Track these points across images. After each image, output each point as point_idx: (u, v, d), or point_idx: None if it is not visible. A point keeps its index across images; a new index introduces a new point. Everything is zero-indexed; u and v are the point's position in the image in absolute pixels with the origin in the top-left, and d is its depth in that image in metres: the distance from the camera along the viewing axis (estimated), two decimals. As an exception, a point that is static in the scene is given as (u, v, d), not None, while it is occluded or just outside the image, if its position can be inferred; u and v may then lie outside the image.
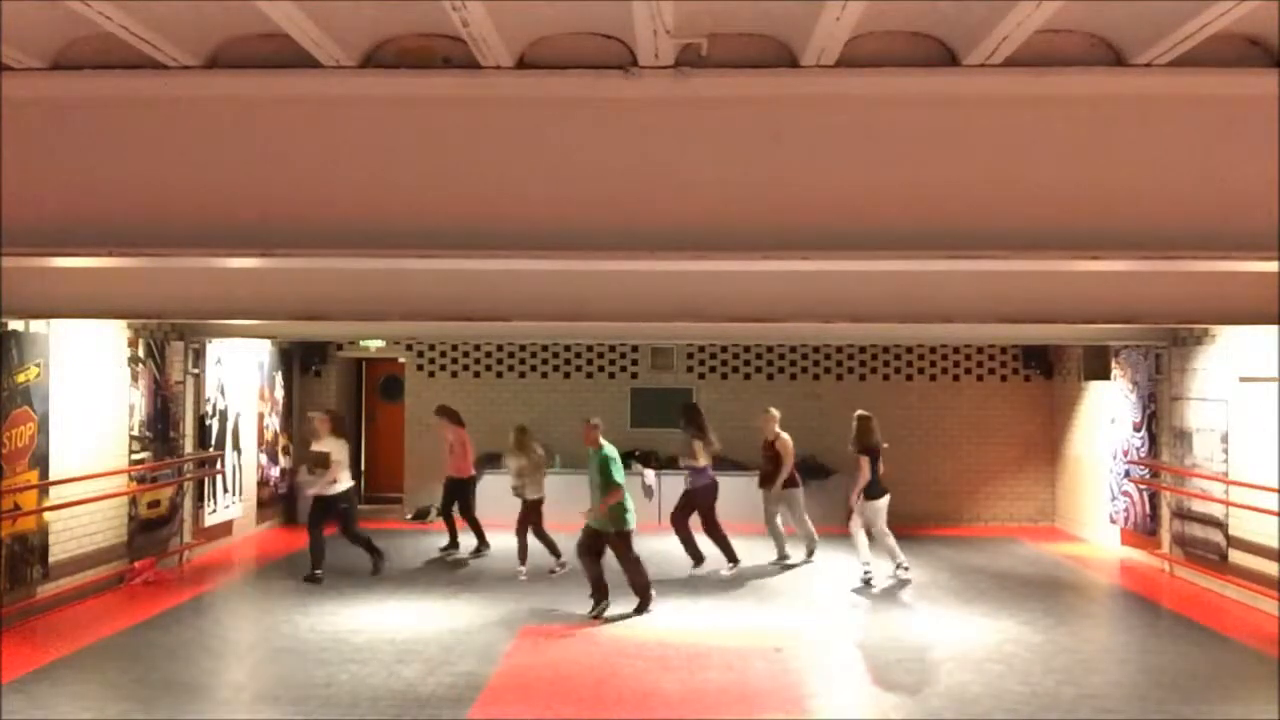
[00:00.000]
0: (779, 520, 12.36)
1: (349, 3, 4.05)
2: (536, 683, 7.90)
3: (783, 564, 12.25)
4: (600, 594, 9.80)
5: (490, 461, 14.12)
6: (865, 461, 11.26)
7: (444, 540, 13.03)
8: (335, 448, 11.62)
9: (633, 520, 9.85)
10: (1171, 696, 7.63)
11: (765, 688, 7.81)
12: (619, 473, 9.81)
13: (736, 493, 12.84)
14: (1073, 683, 7.91)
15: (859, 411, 11.71)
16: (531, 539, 11.68)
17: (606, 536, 9.81)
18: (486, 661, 8.30)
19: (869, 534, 11.41)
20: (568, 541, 10.85)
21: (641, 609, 9.84)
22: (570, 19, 4.29)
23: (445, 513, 12.99)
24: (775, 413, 12.36)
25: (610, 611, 9.77)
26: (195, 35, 4.35)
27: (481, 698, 7.44)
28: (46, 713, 7.06)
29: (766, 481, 12.25)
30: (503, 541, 12.14)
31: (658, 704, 7.40)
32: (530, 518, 11.67)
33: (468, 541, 12.84)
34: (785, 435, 12.22)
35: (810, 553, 12.40)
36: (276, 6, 3.90)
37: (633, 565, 9.89)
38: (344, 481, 11.63)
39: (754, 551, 12.43)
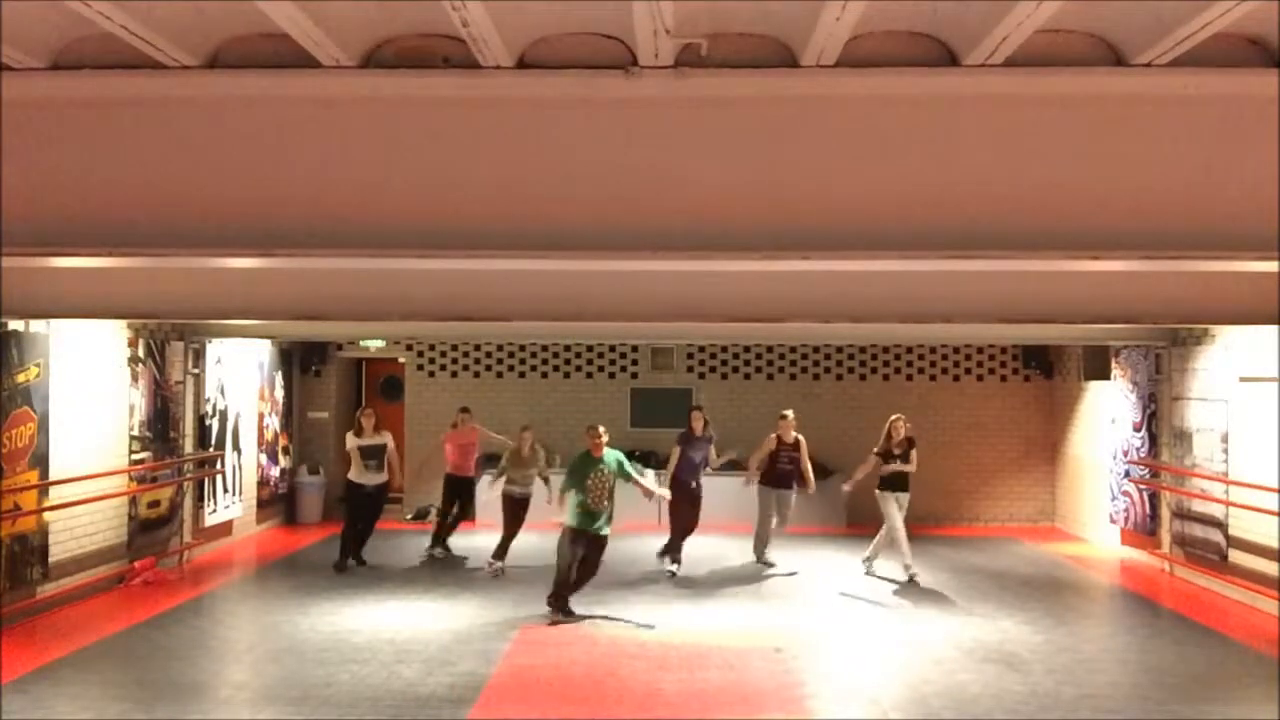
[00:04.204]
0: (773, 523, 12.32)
1: (349, 3, 4.06)
2: (536, 683, 7.90)
3: (768, 568, 12.15)
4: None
5: (489, 462, 14.08)
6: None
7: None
8: (389, 440, 12.41)
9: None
10: (1172, 696, 7.64)
11: (765, 688, 7.81)
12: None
13: (736, 492, 12.79)
14: (1073, 683, 7.91)
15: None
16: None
17: (597, 539, 9.80)
18: (486, 661, 8.30)
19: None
20: (549, 541, 10.84)
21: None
22: (570, 19, 4.29)
23: (446, 513, 12.92)
24: (792, 415, 12.32)
25: (603, 613, 9.79)
26: (195, 35, 4.35)
27: (481, 698, 7.44)
28: (46, 713, 7.06)
29: (783, 482, 12.11)
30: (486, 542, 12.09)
31: (658, 704, 7.40)
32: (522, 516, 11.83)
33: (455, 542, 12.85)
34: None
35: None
36: (276, 6, 3.90)
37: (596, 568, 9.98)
38: (384, 474, 12.35)
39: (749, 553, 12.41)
